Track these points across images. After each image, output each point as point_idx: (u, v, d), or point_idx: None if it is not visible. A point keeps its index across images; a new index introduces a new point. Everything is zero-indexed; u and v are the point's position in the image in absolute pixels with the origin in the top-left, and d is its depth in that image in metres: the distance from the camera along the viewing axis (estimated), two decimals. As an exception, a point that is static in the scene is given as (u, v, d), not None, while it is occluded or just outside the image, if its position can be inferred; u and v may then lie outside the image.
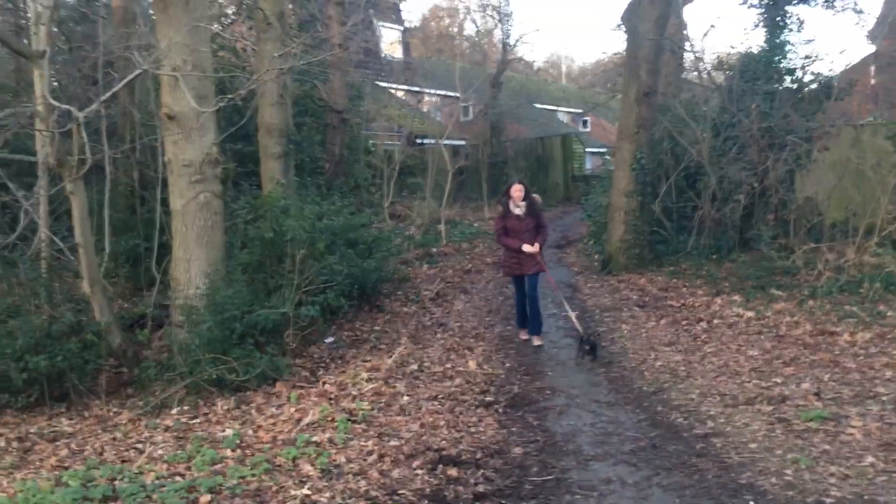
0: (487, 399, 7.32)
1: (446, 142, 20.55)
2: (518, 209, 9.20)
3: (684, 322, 9.96)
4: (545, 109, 40.14)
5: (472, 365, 8.51)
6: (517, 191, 9.19)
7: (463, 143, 26.25)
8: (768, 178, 12.65)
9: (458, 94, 22.73)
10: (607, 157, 28.35)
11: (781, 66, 14.01)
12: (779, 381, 7.27)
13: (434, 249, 16.57)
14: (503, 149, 28.33)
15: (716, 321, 9.77)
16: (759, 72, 13.73)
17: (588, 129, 40.58)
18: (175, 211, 8.24)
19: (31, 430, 6.99)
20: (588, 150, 34.50)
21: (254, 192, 11.58)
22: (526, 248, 9.06)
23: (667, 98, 15.78)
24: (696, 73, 18.95)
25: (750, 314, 9.74)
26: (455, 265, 15.26)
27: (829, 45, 48.53)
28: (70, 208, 8.65)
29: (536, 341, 9.48)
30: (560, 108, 42.70)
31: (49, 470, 5.90)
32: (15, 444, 6.66)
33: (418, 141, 25.13)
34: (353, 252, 10.63)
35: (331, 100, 16.54)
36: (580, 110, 39.75)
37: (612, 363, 8.55)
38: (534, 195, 9.44)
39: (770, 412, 6.43)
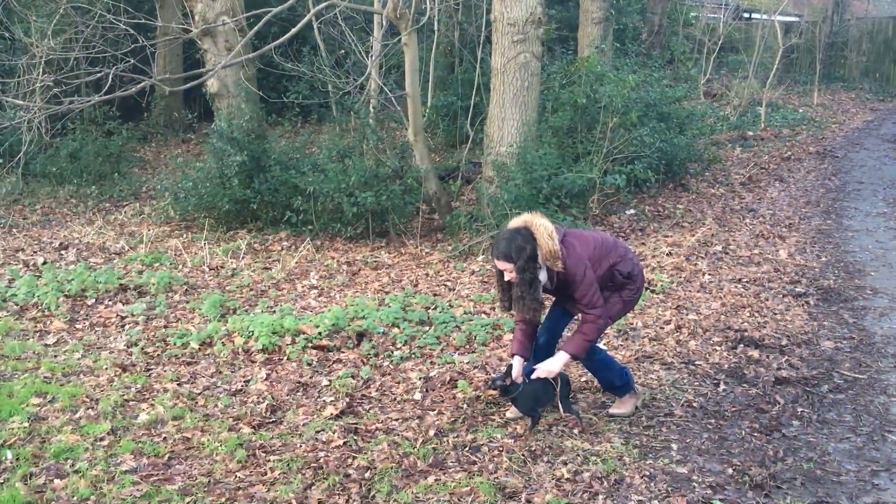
0: (798, 290, 6.85)
1: (779, 17, 18.62)
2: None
3: None
4: (903, -16, 34.65)
5: (782, 254, 7.98)
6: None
7: (797, 19, 23.63)
8: None
9: (799, -37, 20.36)
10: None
11: None
12: None
13: (750, 133, 15.42)
14: (845, 28, 25.03)
15: None
16: None
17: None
18: (495, 69, 8.46)
19: (357, 258, 7.87)
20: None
21: (568, 58, 11.47)
22: None
23: None
24: None
25: None
26: (772, 151, 14.11)
27: None
28: (397, 64, 9.30)
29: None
30: (923, -16, 36.59)
31: (373, 292, 6.64)
32: (345, 266, 7.56)
33: (746, 15, 23.08)
34: (665, 126, 10.24)
35: (656, -35, 15.68)
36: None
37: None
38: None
39: None
